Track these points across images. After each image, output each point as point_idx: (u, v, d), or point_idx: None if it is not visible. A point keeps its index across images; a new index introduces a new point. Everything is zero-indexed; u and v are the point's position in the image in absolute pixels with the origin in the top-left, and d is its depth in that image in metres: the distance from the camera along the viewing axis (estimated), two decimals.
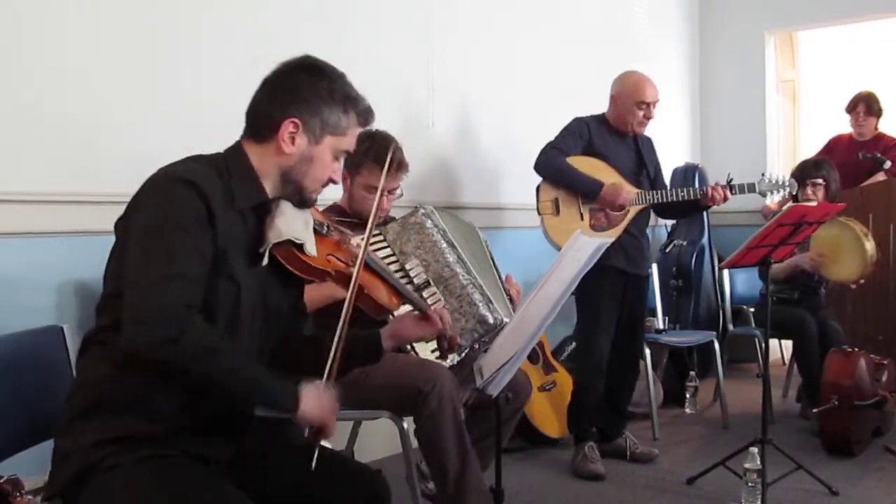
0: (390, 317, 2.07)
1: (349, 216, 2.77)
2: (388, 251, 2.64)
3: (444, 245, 2.67)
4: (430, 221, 2.70)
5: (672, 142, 5.71)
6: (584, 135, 3.59)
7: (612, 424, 3.75)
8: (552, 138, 3.58)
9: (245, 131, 1.72)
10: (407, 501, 2.62)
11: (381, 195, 2.66)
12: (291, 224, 1.68)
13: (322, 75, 1.70)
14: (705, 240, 5.33)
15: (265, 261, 1.65)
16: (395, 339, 1.97)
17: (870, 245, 3.87)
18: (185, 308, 1.48)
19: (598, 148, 3.59)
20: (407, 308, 2.03)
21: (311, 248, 1.70)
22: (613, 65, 4.98)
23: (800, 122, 6.24)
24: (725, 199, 3.53)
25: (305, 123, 1.67)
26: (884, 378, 3.87)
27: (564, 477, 3.50)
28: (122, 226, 1.60)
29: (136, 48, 2.81)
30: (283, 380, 1.60)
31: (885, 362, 3.92)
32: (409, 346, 2.53)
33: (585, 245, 1.88)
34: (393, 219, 2.80)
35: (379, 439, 3.38)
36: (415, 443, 2.52)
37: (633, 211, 3.57)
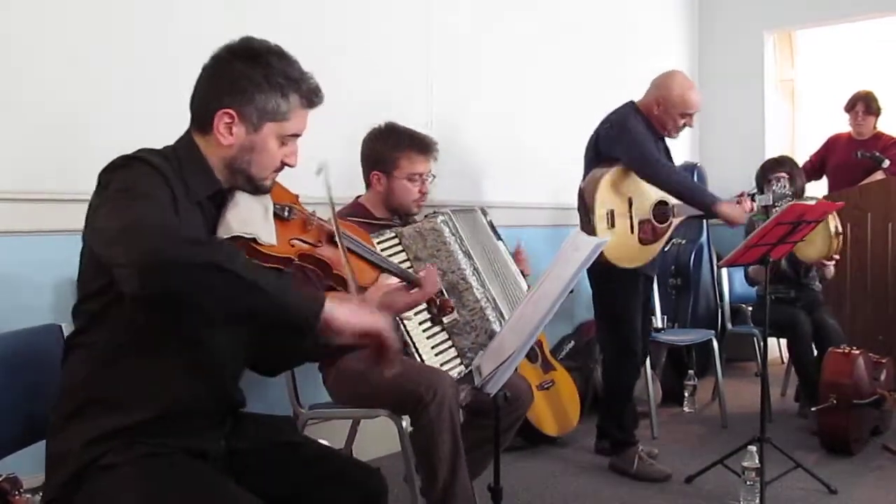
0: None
1: (376, 218, 2.74)
2: (403, 256, 2.59)
3: (461, 255, 2.64)
4: (447, 229, 2.66)
5: (671, 141, 5.71)
6: (649, 139, 3.44)
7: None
8: (637, 148, 3.35)
9: (191, 122, 1.69)
10: (406, 500, 2.62)
11: (424, 181, 2.73)
12: (244, 216, 1.64)
13: (258, 61, 1.62)
14: (704, 239, 5.34)
15: None
16: (385, 309, 1.97)
17: (831, 218, 3.86)
18: (171, 219, 1.43)
19: None
20: (391, 279, 2.03)
21: (268, 237, 1.66)
22: (612, 63, 5.01)
23: (798, 122, 6.25)
24: (751, 210, 3.46)
25: (241, 113, 1.61)
26: (882, 377, 3.88)
27: (563, 475, 3.50)
28: (89, 228, 1.55)
29: (136, 47, 2.81)
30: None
31: (884, 361, 3.92)
32: (414, 352, 2.51)
33: (584, 244, 1.88)
34: (409, 221, 2.78)
35: (378, 438, 3.38)
36: None
37: (676, 221, 3.51)
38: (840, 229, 3.92)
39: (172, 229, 1.40)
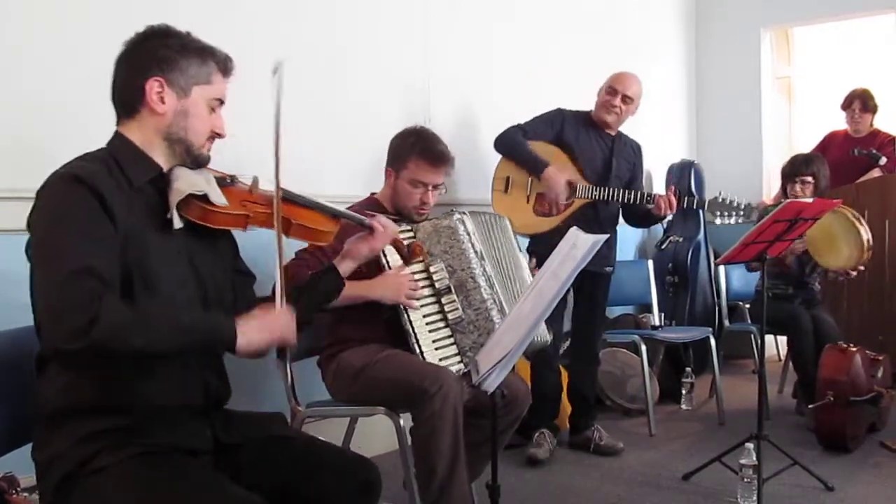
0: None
1: (388, 212, 2.75)
2: None
3: (472, 255, 2.63)
4: (462, 228, 2.66)
5: (668, 138, 5.72)
6: (555, 124, 3.69)
7: (579, 416, 3.84)
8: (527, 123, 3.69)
9: (118, 115, 1.73)
10: (404, 499, 2.62)
11: (427, 190, 2.72)
12: (191, 180, 1.69)
13: (170, 35, 1.71)
14: (701, 236, 5.34)
15: (176, 225, 1.66)
16: (348, 258, 2.04)
17: (864, 230, 3.85)
18: (93, 296, 1.45)
19: (567, 140, 3.66)
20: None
21: (217, 198, 1.70)
22: (610, 61, 4.99)
23: (795, 119, 6.25)
24: (671, 208, 3.54)
25: (168, 80, 1.67)
26: (879, 374, 3.88)
27: (561, 472, 3.51)
28: (29, 250, 1.59)
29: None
30: (221, 317, 1.64)
31: (881, 358, 3.93)
32: (415, 342, 2.51)
33: (582, 242, 1.88)
34: (425, 218, 2.78)
35: (377, 436, 3.38)
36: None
37: (577, 203, 3.60)
38: (871, 241, 3.87)
39: (104, 315, 1.43)
